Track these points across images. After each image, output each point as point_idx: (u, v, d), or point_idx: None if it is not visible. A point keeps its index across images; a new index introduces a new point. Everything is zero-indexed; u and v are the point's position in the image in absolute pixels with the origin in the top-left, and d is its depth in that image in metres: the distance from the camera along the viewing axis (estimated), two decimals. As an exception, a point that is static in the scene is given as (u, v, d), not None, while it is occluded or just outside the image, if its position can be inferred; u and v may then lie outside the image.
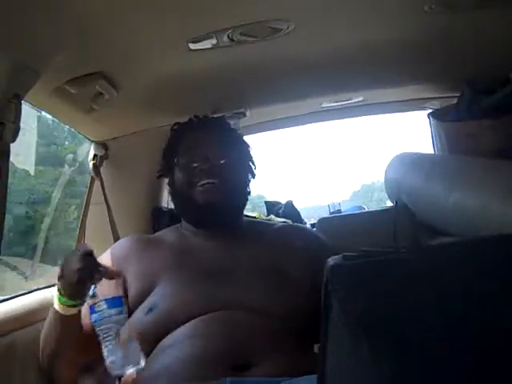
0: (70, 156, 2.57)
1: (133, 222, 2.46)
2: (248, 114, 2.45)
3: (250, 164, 1.90)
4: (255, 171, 1.91)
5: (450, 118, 2.45)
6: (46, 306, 2.08)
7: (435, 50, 1.97)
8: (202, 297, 1.55)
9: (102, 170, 2.35)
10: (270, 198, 3.38)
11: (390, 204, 3.95)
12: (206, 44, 1.63)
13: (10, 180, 1.43)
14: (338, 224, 2.67)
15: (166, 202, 2.61)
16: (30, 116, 2.03)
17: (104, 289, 1.57)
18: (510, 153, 2.14)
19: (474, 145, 2.30)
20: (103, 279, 1.50)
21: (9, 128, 1.37)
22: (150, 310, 1.55)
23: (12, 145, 1.40)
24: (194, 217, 1.80)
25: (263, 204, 3.30)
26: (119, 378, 1.59)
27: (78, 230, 2.38)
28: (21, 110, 1.40)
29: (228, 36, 1.61)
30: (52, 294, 2.18)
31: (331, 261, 0.80)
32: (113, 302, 1.50)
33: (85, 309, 1.54)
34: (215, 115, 1.99)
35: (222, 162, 1.77)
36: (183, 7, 1.43)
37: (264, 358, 1.43)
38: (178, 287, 1.60)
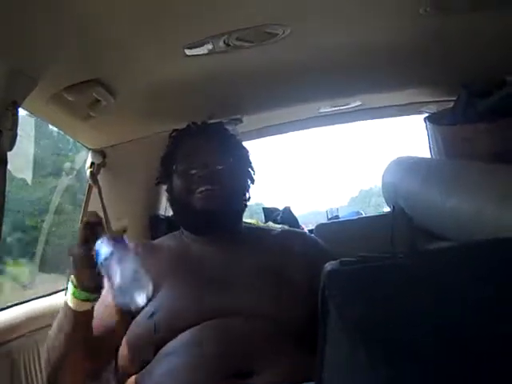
0: (68, 164, 2.57)
1: (130, 229, 2.44)
2: (245, 119, 2.45)
3: (249, 170, 1.90)
4: (254, 177, 1.91)
5: (446, 122, 2.45)
6: (44, 315, 2.09)
7: (431, 54, 1.97)
8: (202, 304, 1.55)
9: (99, 177, 2.34)
10: (267, 205, 3.38)
11: (387, 209, 3.96)
12: (202, 50, 1.63)
13: (7, 188, 1.43)
14: (336, 230, 2.68)
15: (164, 209, 2.61)
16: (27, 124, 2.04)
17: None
18: (507, 156, 2.14)
19: (470, 148, 2.30)
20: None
21: (6, 136, 1.37)
22: (152, 315, 1.54)
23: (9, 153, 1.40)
24: (193, 223, 1.80)
25: (261, 211, 3.30)
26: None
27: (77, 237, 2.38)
28: (18, 117, 1.40)
29: (224, 41, 1.61)
30: (51, 303, 2.20)
31: (328, 266, 0.80)
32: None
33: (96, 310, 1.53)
34: (212, 121, 1.99)
35: (219, 168, 1.77)
36: (179, 13, 1.43)
37: (264, 365, 1.42)
38: (177, 294, 1.59)
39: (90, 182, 2.33)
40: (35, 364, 1.95)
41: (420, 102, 2.76)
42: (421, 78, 2.33)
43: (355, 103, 2.66)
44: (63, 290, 2.33)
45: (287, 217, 3.10)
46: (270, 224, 2.97)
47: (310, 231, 2.72)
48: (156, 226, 2.51)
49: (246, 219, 1.98)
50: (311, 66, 1.95)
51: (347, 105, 2.66)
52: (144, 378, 1.49)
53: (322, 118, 2.84)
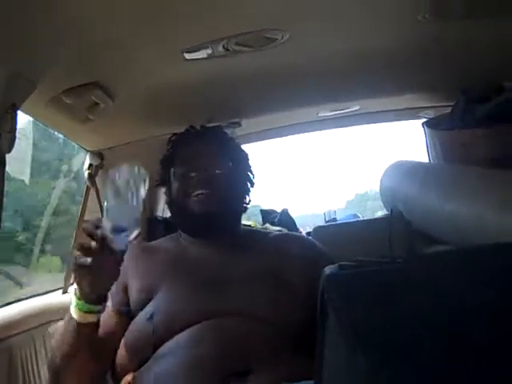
0: (66, 166, 2.57)
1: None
2: (243, 123, 2.45)
3: (249, 173, 1.90)
4: (254, 181, 1.91)
5: (444, 127, 2.45)
6: (41, 313, 2.09)
7: (429, 59, 1.97)
8: (199, 305, 1.55)
9: (97, 179, 2.35)
10: (265, 207, 3.38)
11: (382, 213, 3.97)
12: (202, 54, 1.64)
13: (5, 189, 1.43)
14: (334, 232, 2.68)
15: (162, 211, 2.61)
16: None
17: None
18: (505, 162, 2.14)
19: (468, 154, 2.30)
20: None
21: (5, 138, 1.37)
22: (151, 316, 1.54)
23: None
24: (190, 226, 1.80)
25: (258, 213, 3.30)
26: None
27: (73, 238, 2.38)
28: (17, 120, 1.40)
29: (223, 46, 1.61)
30: (47, 301, 2.20)
31: (327, 270, 0.81)
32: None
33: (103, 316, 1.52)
34: (210, 125, 1.99)
35: (217, 171, 1.77)
36: (178, 17, 1.43)
37: (261, 366, 1.42)
38: (175, 296, 1.59)
39: (88, 183, 2.34)
40: (33, 360, 1.96)
41: (418, 107, 2.76)
42: (419, 83, 2.33)
43: (354, 107, 2.66)
44: (60, 288, 2.34)
45: (285, 219, 3.10)
46: (268, 226, 2.97)
47: (308, 234, 2.72)
48: (154, 228, 2.51)
49: (243, 221, 1.98)
50: (310, 71, 1.95)
51: (346, 109, 2.66)
52: (141, 377, 1.49)
53: (321, 122, 2.84)
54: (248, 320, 1.50)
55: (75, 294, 1.45)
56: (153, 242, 1.90)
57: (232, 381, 1.39)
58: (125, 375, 1.55)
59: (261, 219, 3.20)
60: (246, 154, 1.94)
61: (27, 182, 2.48)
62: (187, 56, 1.64)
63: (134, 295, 1.65)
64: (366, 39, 1.75)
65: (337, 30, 1.67)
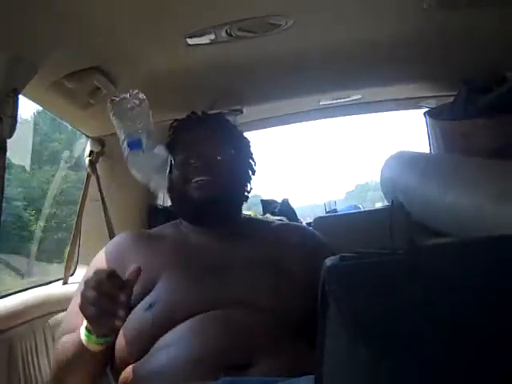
0: (67, 152, 2.56)
1: (128, 219, 2.45)
2: (245, 110, 2.45)
3: (250, 161, 1.90)
4: (255, 168, 1.90)
5: (445, 117, 2.45)
6: (41, 304, 2.09)
7: (433, 48, 1.97)
8: (200, 295, 1.55)
9: (98, 166, 2.34)
10: (265, 197, 3.38)
11: (381, 204, 3.98)
12: (204, 39, 1.63)
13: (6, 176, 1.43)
14: (334, 223, 2.68)
15: (162, 199, 2.61)
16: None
17: None
18: (506, 152, 2.14)
19: (469, 144, 2.30)
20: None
21: (6, 123, 1.36)
22: (150, 306, 1.54)
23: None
24: (190, 213, 1.80)
25: (259, 203, 3.30)
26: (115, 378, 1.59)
27: (73, 226, 2.38)
28: (18, 104, 1.40)
29: (226, 31, 1.61)
30: (48, 292, 2.20)
31: (328, 261, 0.80)
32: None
33: None
34: (212, 111, 1.99)
35: (218, 158, 1.77)
36: (181, 2, 1.43)
37: (262, 358, 1.42)
38: (175, 285, 1.59)
39: (89, 170, 2.33)
40: (33, 352, 1.95)
41: (420, 97, 2.76)
42: (421, 72, 2.33)
43: (356, 96, 2.66)
44: (60, 279, 2.34)
45: (285, 209, 3.10)
46: (268, 216, 2.97)
47: (308, 224, 2.72)
48: (154, 216, 2.51)
49: (243, 211, 1.97)
50: (313, 58, 1.95)
51: (348, 98, 2.66)
52: (141, 369, 1.48)
53: (323, 111, 2.84)
54: (249, 310, 1.50)
55: (85, 326, 1.44)
56: (152, 230, 1.89)
57: (233, 372, 1.38)
58: (124, 367, 1.53)
59: (261, 209, 3.20)
60: (248, 141, 1.93)
61: (28, 167, 2.48)
62: (190, 41, 1.63)
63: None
64: (370, 27, 1.75)
65: (340, 17, 1.67)
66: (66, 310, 2.17)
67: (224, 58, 1.84)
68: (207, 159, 1.75)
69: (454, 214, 2.03)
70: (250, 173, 1.88)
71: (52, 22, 1.35)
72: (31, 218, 2.91)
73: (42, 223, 2.77)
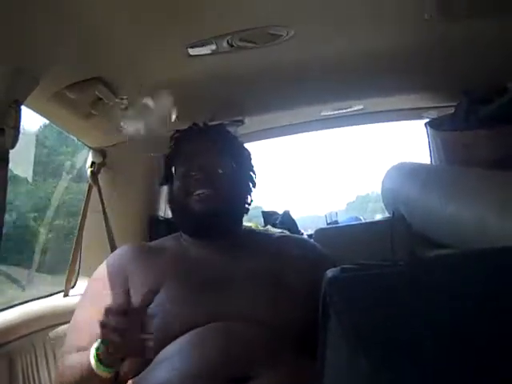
0: (68, 163, 2.57)
1: (130, 230, 2.45)
2: (246, 121, 2.45)
3: (251, 173, 1.89)
4: (256, 180, 1.90)
5: (446, 128, 2.46)
6: (42, 316, 2.08)
7: (434, 59, 1.97)
8: (200, 307, 1.54)
9: (99, 177, 2.34)
10: (266, 208, 3.38)
11: (381, 215, 3.97)
12: (206, 50, 1.64)
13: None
14: (335, 235, 2.68)
15: (163, 210, 2.61)
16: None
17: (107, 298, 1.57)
18: (507, 163, 2.14)
19: (470, 154, 2.30)
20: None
21: (8, 134, 1.37)
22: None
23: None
24: (191, 226, 1.79)
25: (260, 214, 3.30)
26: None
27: (75, 237, 2.38)
28: (20, 115, 1.40)
29: (228, 42, 1.61)
30: (48, 305, 2.19)
31: (329, 273, 0.80)
32: None
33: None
34: (213, 122, 1.99)
35: (219, 171, 1.76)
36: (183, 13, 1.43)
37: (262, 371, 1.41)
38: (175, 298, 1.58)
39: (90, 181, 2.33)
40: (33, 365, 1.94)
41: (421, 108, 2.76)
42: (422, 83, 2.33)
43: (357, 107, 2.66)
44: (61, 291, 2.33)
45: (286, 221, 3.10)
46: (269, 228, 2.97)
47: (310, 236, 2.72)
48: (155, 227, 2.50)
49: (244, 222, 1.97)
50: (314, 69, 1.95)
51: (349, 108, 2.66)
52: (142, 382, 1.47)
53: (324, 121, 2.84)
54: (249, 323, 1.50)
55: (95, 356, 1.44)
56: (153, 243, 1.88)
57: (235, 383, 1.39)
58: (127, 380, 1.53)
59: (262, 221, 3.20)
60: (249, 153, 1.93)
61: (30, 179, 2.48)
62: (191, 52, 1.63)
63: (135, 298, 1.63)
64: (371, 38, 1.75)
65: (341, 28, 1.67)
66: (67, 322, 2.16)
67: (225, 69, 1.85)
68: (208, 172, 1.74)
69: (455, 226, 2.03)
70: (251, 185, 1.88)
71: (53, 34, 1.35)
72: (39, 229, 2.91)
73: (44, 234, 2.77)
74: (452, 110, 2.46)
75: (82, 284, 2.36)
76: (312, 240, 2.40)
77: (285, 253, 1.75)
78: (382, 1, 1.52)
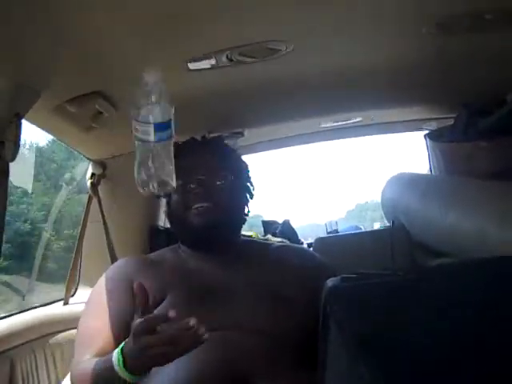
0: (68, 175, 2.57)
1: (130, 240, 2.45)
2: (246, 133, 2.45)
3: (248, 185, 1.90)
4: (253, 192, 1.90)
5: (446, 139, 2.46)
6: (42, 324, 2.09)
7: (433, 72, 1.98)
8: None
9: (99, 188, 2.35)
10: (266, 218, 3.38)
11: (380, 223, 3.98)
12: (205, 64, 1.64)
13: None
14: (335, 243, 2.68)
15: (163, 221, 2.61)
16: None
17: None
18: (506, 175, 2.15)
19: (470, 166, 2.30)
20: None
21: (8, 147, 1.37)
22: None
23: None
24: (190, 239, 1.79)
25: (260, 223, 3.30)
26: None
27: (75, 248, 2.38)
28: (21, 129, 1.41)
29: (227, 56, 1.62)
30: (48, 313, 2.20)
31: (329, 282, 0.81)
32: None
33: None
34: (213, 135, 1.99)
35: (218, 184, 1.76)
36: (183, 27, 1.43)
37: (262, 379, 1.42)
38: (175, 308, 1.58)
39: (90, 192, 2.33)
40: (33, 372, 1.95)
41: (420, 119, 2.77)
42: (422, 95, 2.34)
43: (356, 119, 2.66)
44: (61, 300, 2.34)
45: (286, 230, 3.10)
46: (269, 237, 2.96)
47: (309, 245, 2.72)
48: (155, 238, 2.51)
49: (244, 232, 1.97)
50: (313, 82, 1.95)
51: (348, 120, 2.67)
52: None
53: (323, 133, 2.85)
54: (248, 333, 1.50)
55: (119, 359, 1.36)
56: (152, 255, 1.88)
57: None
58: None
59: (262, 230, 3.20)
60: (246, 165, 1.93)
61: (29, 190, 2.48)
62: (191, 66, 1.64)
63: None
64: (370, 52, 1.76)
65: (340, 42, 1.68)
66: (66, 330, 2.17)
67: (225, 83, 1.85)
68: (207, 185, 1.74)
69: (454, 235, 2.04)
70: (248, 196, 1.88)
71: (53, 48, 1.36)
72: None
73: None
74: (451, 122, 2.46)
75: (81, 293, 2.37)
76: (312, 249, 2.41)
77: (284, 263, 1.74)
78: (381, 15, 1.52)
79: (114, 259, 2.25)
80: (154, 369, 1.46)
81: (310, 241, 2.92)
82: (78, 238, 2.37)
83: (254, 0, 1.39)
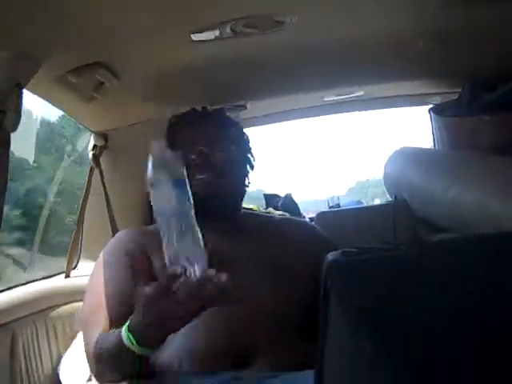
0: (70, 146, 2.57)
1: (131, 212, 2.45)
2: (249, 106, 2.45)
3: (249, 156, 1.89)
4: (254, 163, 1.89)
5: (450, 114, 2.46)
6: (44, 297, 2.09)
7: (437, 45, 1.96)
8: None
9: (101, 160, 2.34)
10: (268, 191, 3.38)
11: (380, 200, 3.99)
12: (209, 35, 1.62)
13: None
14: (337, 218, 2.68)
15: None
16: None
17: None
18: (510, 149, 2.14)
19: (473, 140, 2.30)
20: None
21: (10, 117, 1.37)
22: None
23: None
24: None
25: (262, 197, 3.30)
26: None
27: (76, 220, 2.39)
28: (22, 98, 1.40)
29: (231, 28, 1.60)
30: (49, 286, 2.21)
31: (330, 256, 0.80)
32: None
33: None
34: (216, 107, 1.98)
35: (219, 154, 1.75)
36: None
37: (265, 353, 1.43)
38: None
39: (92, 164, 2.33)
40: (34, 345, 1.96)
41: (425, 94, 2.76)
42: (426, 69, 2.32)
43: (359, 93, 2.66)
44: (62, 272, 2.34)
45: (288, 204, 3.10)
46: (271, 210, 2.97)
47: (311, 219, 2.72)
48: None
49: (246, 204, 1.97)
50: (317, 55, 1.94)
51: (351, 94, 2.66)
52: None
53: (326, 107, 2.84)
54: (250, 307, 1.50)
55: (129, 334, 1.34)
56: (152, 226, 1.87)
57: (235, 368, 1.40)
58: None
59: (264, 203, 3.20)
60: (247, 136, 1.92)
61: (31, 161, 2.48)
62: (194, 37, 1.62)
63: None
64: (373, 24, 1.75)
65: (344, 14, 1.66)
66: (68, 303, 2.18)
67: (228, 54, 1.84)
68: (208, 156, 1.73)
69: (457, 210, 2.04)
70: (249, 167, 1.87)
71: (54, 17, 1.34)
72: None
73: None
74: (456, 97, 2.45)
75: (83, 265, 2.38)
76: (313, 223, 2.41)
77: (286, 236, 1.75)
78: None
79: (115, 231, 2.25)
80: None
81: (312, 215, 2.92)
82: (79, 210, 2.37)
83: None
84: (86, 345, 1.59)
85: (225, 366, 1.39)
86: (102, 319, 1.55)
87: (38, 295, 2.08)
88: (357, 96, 2.70)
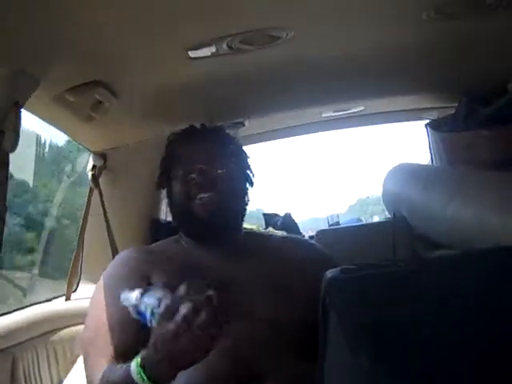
0: (69, 167, 2.57)
1: (131, 233, 2.45)
2: (247, 123, 2.45)
3: (248, 173, 1.89)
4: (253, 180, 1.89)
5: (447, 129, 2.46)
6: (44, 320, 2.08)
7: (433, 60, 1.98)
8: None
9: (100, 180, 2.34)
10: (268, 211, 3.38)
11: (379, 217, 3.98)
12: (206, 52, 1.63)
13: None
14: (337, 236, 2.68)
15: (165, 213, 2.60)
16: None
17: None
18: (508, 164, 2.15)
19: (470, 155, 2.30)
20: None
21: (8, 136, 1.37)
22: None
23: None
24: (193, 230, 1.77)
25: (261, 216, 3.30)
26: None
27: (76, 241, 2.38)
28: (20, 118, 1.40)
29: (227, 44, 1.61)
30: (50, 309, 2.20)
31: (329, 273, 0.81)
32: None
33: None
34: (214, 124, 1.98)
35: (219, 172, 1.75)
36: (182, 15, 1.43)
37: (267, 370, 1.42)
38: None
39: (92, 184, 2.33)
40: (35, 369, 1.95)
41: (421, 109, 2.77)
42: (423, 84, 2.34)
43: (357, 108, 2.67)
44: (62, 295, 2.33)
45: (288, 223, 3.10)
46: (271, 230, 2.96)
47: (311, 237, 2.72)
48: (157, 230, 2.50)
49: (246, 225, 1.96)
50: (314, 70, 1.95)
51: (349, 110, 2.67)
52: None
53: (324, 123, 2.85)
54: (251, 325, 1.50)
55: (140, 369, 1.32)
56: (153, 246, 1.87)
57: None
58: None
59: (263, 223, 3.20)
60: (246, 153, 1.92)
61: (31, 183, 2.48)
62: (191, 54, 1.63)
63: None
64: (371, 39, 1.75)
65: (341, 29, 1.67)
66: (68, 326, 2.16)
67: (225, 71, 1.84)
68: (209, 174, 1.72)
69: (455, 226, 2.03)
70: (248, 185, 1.87)
71: (53, 36, 1.35)
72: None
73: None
74: (452, 111, 2.46)
75: (83, 288, 2.36)
76: (313, 241, 2.40)
77: (286, 254, 1.74)
78: (381, 1, 1.52)
79: (115, 252, 2.25)
80: None
81: (312, 233, 2.91)
82: (79, 231, 2.37)
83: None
84: (89, 373, 1.57)
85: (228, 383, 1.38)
86: (103, 344, 1.53)
87: (39, 319, 2.07)
88: (355, 112, 2.71)
